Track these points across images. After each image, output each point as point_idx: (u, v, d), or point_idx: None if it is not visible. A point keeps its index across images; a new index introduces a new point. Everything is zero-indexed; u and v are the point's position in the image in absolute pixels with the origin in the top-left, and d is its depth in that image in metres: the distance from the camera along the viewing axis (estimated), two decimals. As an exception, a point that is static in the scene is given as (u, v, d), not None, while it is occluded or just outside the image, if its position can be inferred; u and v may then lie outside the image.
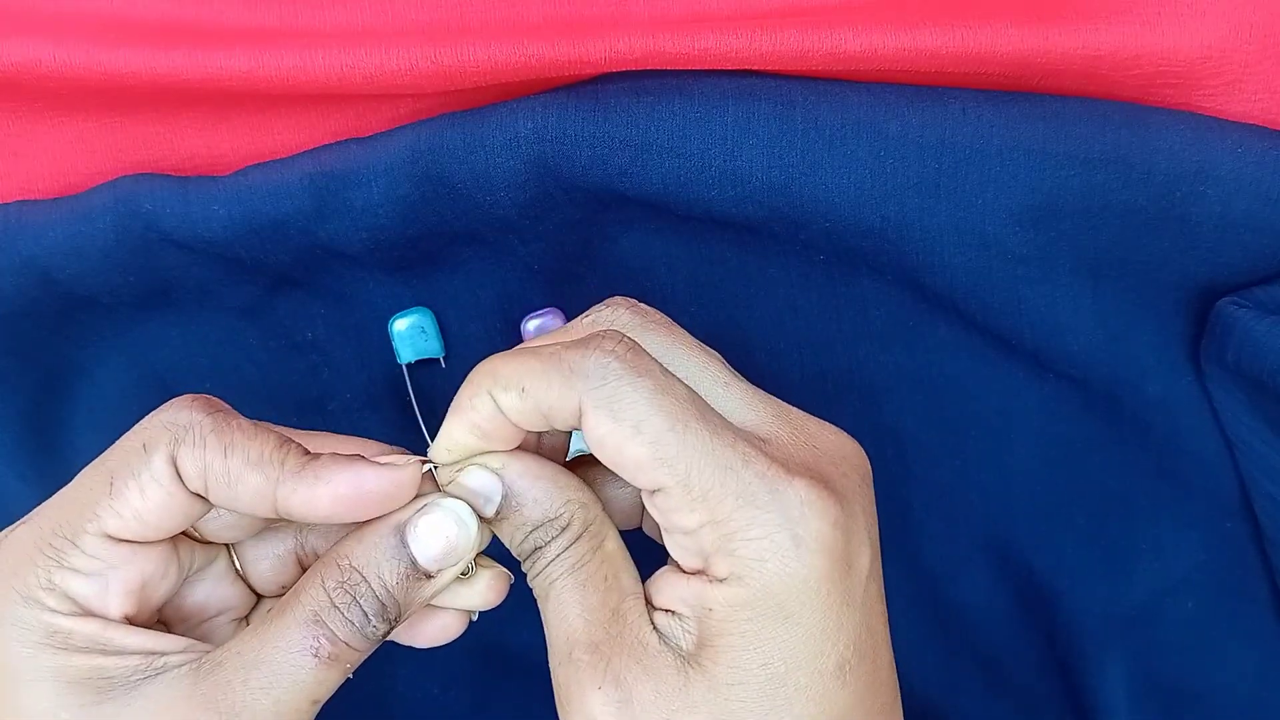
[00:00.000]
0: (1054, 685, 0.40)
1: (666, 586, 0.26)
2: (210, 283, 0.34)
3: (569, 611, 0.26)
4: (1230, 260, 0.32)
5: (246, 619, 0.30)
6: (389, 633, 0.26)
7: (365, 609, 0.25)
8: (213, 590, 0.29)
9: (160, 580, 0.27)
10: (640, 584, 0.27)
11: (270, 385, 0.37)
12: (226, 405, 0.27)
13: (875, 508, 0.28)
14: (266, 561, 0.30)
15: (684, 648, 0.25)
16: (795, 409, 0.28)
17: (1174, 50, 0.30)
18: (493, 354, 0.27)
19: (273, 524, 0.29)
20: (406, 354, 0.35)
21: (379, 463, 0.26)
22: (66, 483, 0.39)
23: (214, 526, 0.28)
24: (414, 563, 0.26)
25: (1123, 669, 0.39)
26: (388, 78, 0.30)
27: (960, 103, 0.30)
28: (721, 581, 0.24)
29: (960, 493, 0.38)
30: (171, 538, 0.27)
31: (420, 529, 0.26)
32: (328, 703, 0.40)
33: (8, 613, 0.25)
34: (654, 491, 0.25)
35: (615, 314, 0.28)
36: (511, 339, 0.36)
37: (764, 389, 0.36)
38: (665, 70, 0.31)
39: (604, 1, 0.32)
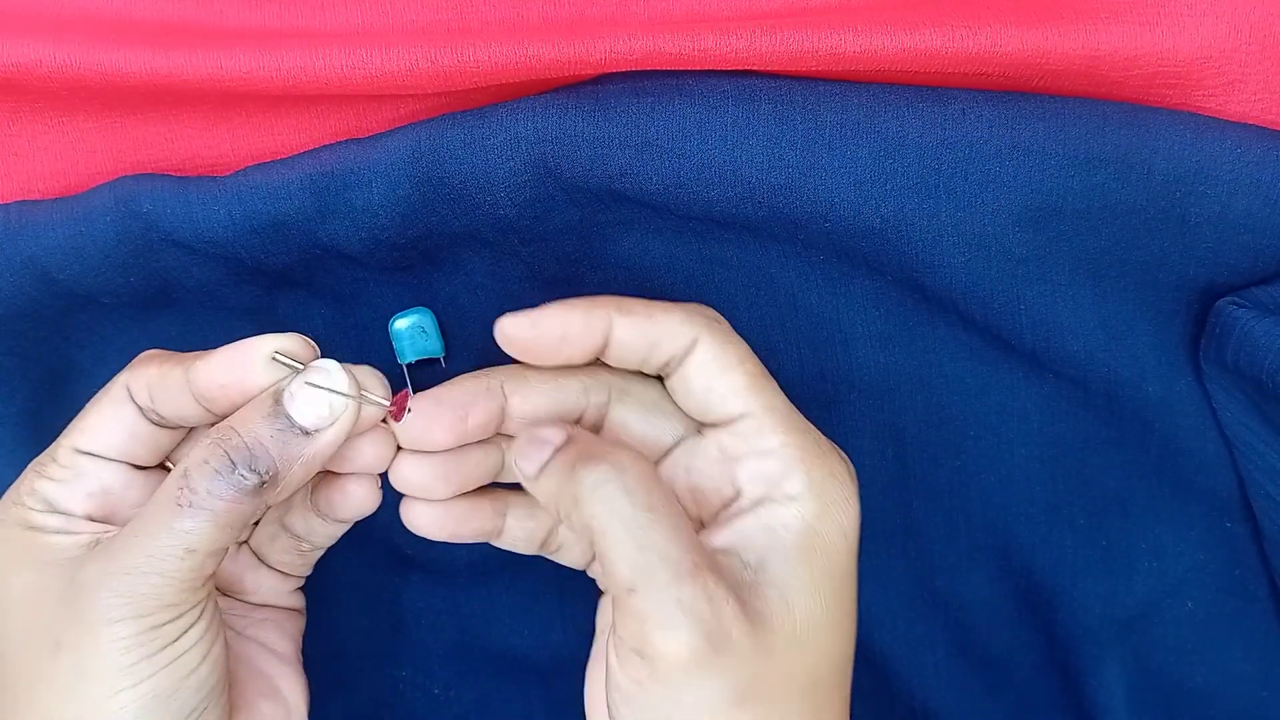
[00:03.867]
0: (1054, 685, 0.40)
1: (718, 535, 0.29)
2: (210, 283, 0.34)
3: (652, 534, 0.28)
4: (1230, 260, 0.32)
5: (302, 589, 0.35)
6: (262, 485, 0.28)
7: (234, 458, 0.28)
8: (250, 576, 0.34)
9: (126, 499, 0.30)
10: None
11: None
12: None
13: None
14: (278, 544, 0.34)
15: (749, 575, 0.29)
16: None
17: (1174, 50, 0.30)
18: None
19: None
20: (407, 354, 0.35)
21: (258, 338, 0.30)
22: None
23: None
24: (289, 419, 0.29)
25: (1122, 669, 0.39)
26: (388, 78, 0.30)
27: (960, 103, 0.30)
28: (793, 500, 0.29)
29: (960, 493, 0.38)
30: (138, 466, 0.31)
31: (294, 387, 0.29)
32: (330, 703, 0.40)
33: (2, 516, 0.30)
34: (736, 420, 0.30)
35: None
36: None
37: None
38: (665, 70, 0.31)
39: (604, 1, 0.32)
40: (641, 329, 0.30)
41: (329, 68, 0.30)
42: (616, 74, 0.31)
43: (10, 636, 0.28)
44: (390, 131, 0.32)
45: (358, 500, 0.32)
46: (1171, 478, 0.36)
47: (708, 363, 0.30)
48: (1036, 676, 0.40)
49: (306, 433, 0.29)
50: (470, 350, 0.36)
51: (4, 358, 0.35)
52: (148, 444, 0.31)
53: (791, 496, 0.29)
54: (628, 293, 0.35)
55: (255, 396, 0.29)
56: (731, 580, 0.28)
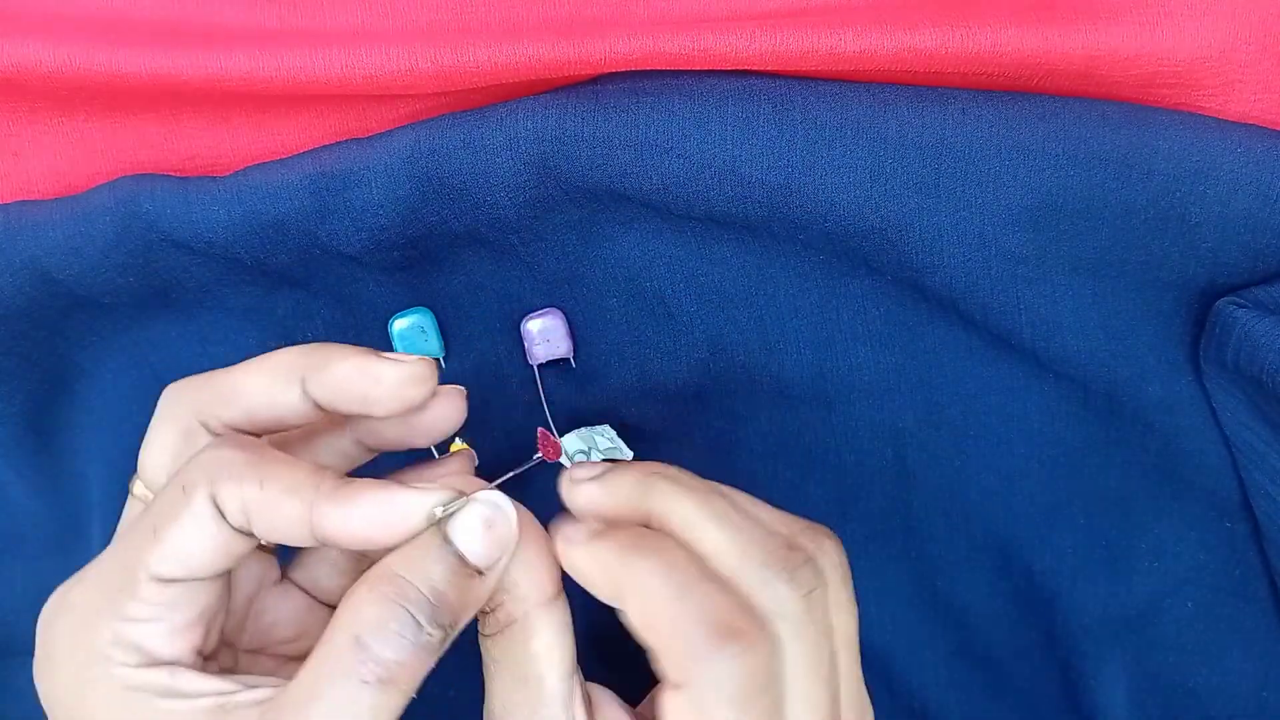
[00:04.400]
0: (1054, 685, 0.40)
1: None
2: (210, 283, 0.34)
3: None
4: (1230, 260, 0.32)
5: (284, 577, 0.30)
6: (446, 640, 0.25)
7: (417, 616, 0.24)
8: (278, 609, 0.29)
9: (218, 614, 0.27)
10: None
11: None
12: (259, 440, 0.27)
13: None
14: (323, 569, 0.30)
15: None
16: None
17: (1173, 50, 0.30)
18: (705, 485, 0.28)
19: None
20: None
21: (413, 486, 0.25)
22: (67, 483, 0.39)
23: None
24: (461, 558, 0.25)
25: (1122, 669, 0.39)
26: (388, 78, 0.30)
27: (960, 103, 0.30)
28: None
29: (960, 493, 0.38)
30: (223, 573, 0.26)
31: (461, 521, 0.25)
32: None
33: (85, 677, 0.25)
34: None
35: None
36: (512, 339, 0.36)
37: (764, 389, 0.36)
38: (665, 70, 0.31)
39: (604, 1, 0.32)
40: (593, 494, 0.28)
41: (329, 68, 0.30)
42: (616, 74, 0.31)
43: None
44: (390, 131, 0.32)
45: None
46: (1172, 478, 0.36)
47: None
48: (1036, 676, 0.40)
49: (480, 572, 0.25)
50: (470, 350, 0.36)
51: (4, 357, 0.35)
52: (242, 551, 0.26)
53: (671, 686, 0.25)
54: (628, 293, 0.35)
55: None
56: None
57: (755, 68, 0.30)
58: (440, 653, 0.25)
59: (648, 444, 0.38)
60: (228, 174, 0.33)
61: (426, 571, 0.24)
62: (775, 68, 0.30)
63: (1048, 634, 0.40)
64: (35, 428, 0.36)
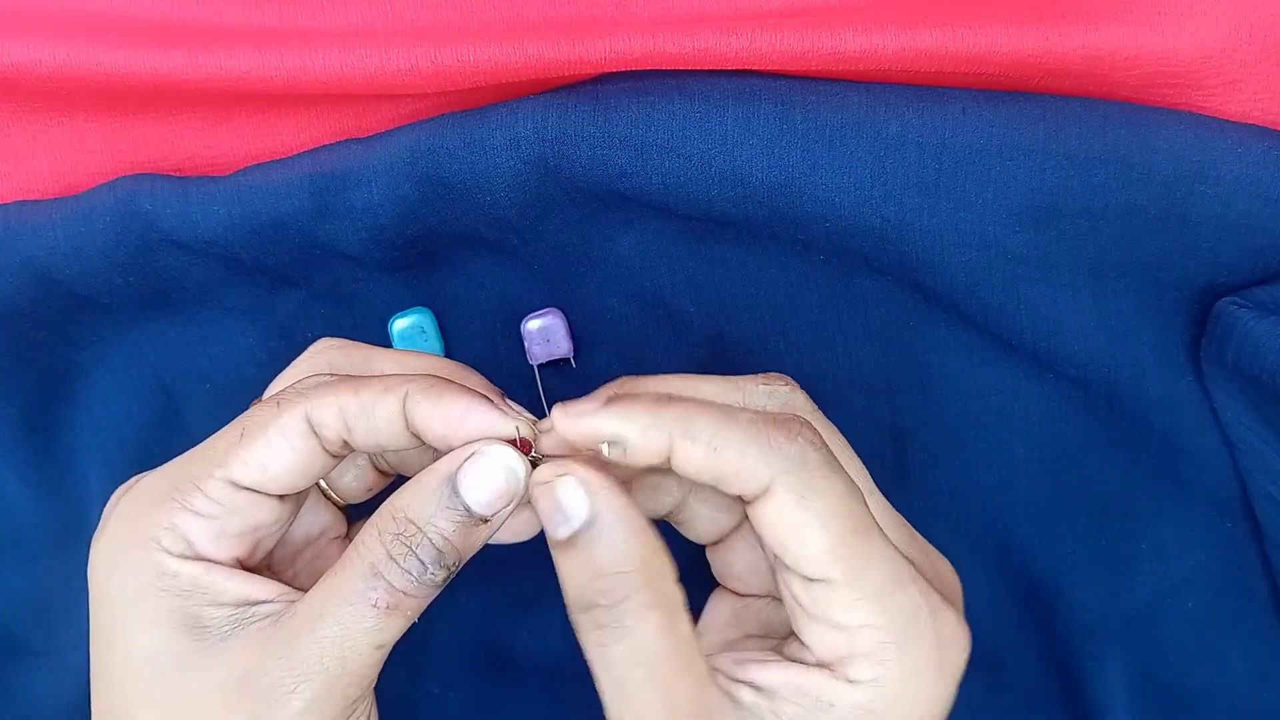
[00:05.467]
0: (1054, 685, 0.40)
1: (766, 670, 0.26)
2: (210, 283, 0.34)
3: (644, 698, 0.25)
4: (1230, 260, 0.32)
5: (346, 536, 0.32)
6: (449, 577, 0.27)
7: (423, 559, 0.26)
8: (306, 514, 0.31)
9: (273, 531, 0.28)
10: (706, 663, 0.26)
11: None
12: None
13: None
14: (349, 474, 0.31)
15: None
16: (913, 529, 0.29)
17: (1174, 50, 0.30)
18: (670, 379, 0.28)
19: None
20: (406, 354, 0.35)
21: (498, 406, 0.27)
22: (67, 483, 0.39)
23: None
24: (468, 510, 0.26)
25: (1122, 669, 0.39)
26: (388, 78, 0.30)
27: (960, 103, 0.30)
28: (855, 684, 0.25)
29: (960, 493, 0.38)
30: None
31: (470, 476, 0.26)
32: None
33: (124, 554, 0.26)
34: (813, 581, 0.25)
35: (794, 396, 0.29)
36: (512, 339, 0.36)
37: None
38: (665, 70, 0.31)
39: (604, 1, 0.32)
40: (698, 461, 0.25)
41: (329, 68, 0.30)
42: (616, 74, 0.31)
43: (129, 707, 0.26)
44: (390, 131, 0.32)
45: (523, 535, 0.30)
46: (1172, 478, 0.36)
47: (779, 521, 0.25)
48: (1036, 676, 0.40)
49: (485, 520, 0.27)
50: (470, 350, 0.36)
51: (3, 358, 0.35)
52: (314, 476, 0.28)
53: (855, 681, 0.25)
54: (628, 293, 0.35)
55: (427, 476, 0.27)
56: None
57: (756, 67, 0.30)
58: (442, 587, 0.27)
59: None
60: (227, 174, 0.33)
61: (437, 521, 0.26)
62: (776, 67, 0.30)
63: (1048, 634, 0.40)
64: (35, 428, 0.36)
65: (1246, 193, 0.30)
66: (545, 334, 0.35)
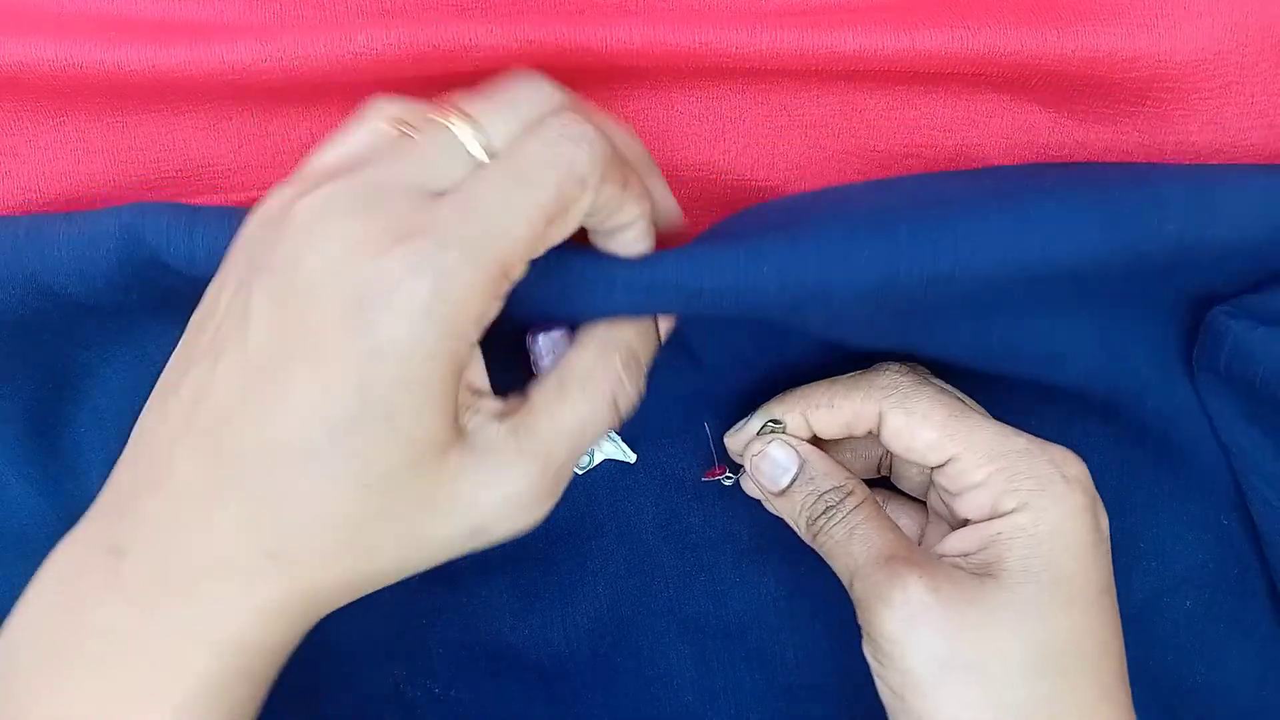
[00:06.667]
0: (1053, 684, 0.40)
1: (950, 541, 0.32)
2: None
3: (874, 540, 0.32)
4: (1225, 276, 0.32)
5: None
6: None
7: (641, 382, 0.31)
8: None
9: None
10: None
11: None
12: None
13: None
14: None
15: (974, 570, 0.31)
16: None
17: (1172, 51, 0.30)
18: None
19: None
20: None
21: None
22: (70, 481, 0.39)
23: None
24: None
25: (1121, 667, 0.39)
26: (391, 63, 0.30)
27: (964, 195, 0.31)
28: (1009, 513, 0.31)
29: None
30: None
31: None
32: (329, 702, 0.40)
33: (440, 343, 0.25)
34: (945, 464, 0.32)
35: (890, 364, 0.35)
36: (518, 351, 0.35)
37: (768, 395, 0.36)
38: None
39: None
40: (829, 419, 0.33)
41: (331, 54, 0.30)
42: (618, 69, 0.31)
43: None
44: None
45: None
46: (1170, 476, 0.37)
47: (898, 430, 0.32)
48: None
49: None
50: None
51: (7, 357, 0.35)
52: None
53: (1006, 512, 0.31)
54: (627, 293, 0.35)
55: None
56: (965, 567, 0.31)
57: (756, 64, 0.30)
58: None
59: (649, 443, 0.38)
60: (239, 205, 0.32)
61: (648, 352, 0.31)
62: (776, 65, 0.31)
63: (1047, 633, 0.40)
64: (40, 426, 0.36)
65: (1252, 227, 0.30)
66: (553, 347, 0.34)
